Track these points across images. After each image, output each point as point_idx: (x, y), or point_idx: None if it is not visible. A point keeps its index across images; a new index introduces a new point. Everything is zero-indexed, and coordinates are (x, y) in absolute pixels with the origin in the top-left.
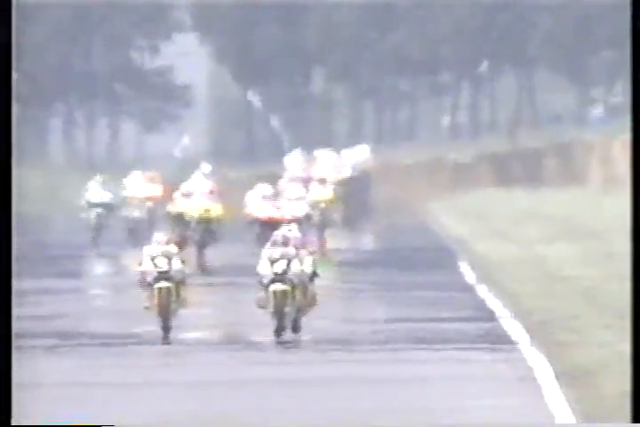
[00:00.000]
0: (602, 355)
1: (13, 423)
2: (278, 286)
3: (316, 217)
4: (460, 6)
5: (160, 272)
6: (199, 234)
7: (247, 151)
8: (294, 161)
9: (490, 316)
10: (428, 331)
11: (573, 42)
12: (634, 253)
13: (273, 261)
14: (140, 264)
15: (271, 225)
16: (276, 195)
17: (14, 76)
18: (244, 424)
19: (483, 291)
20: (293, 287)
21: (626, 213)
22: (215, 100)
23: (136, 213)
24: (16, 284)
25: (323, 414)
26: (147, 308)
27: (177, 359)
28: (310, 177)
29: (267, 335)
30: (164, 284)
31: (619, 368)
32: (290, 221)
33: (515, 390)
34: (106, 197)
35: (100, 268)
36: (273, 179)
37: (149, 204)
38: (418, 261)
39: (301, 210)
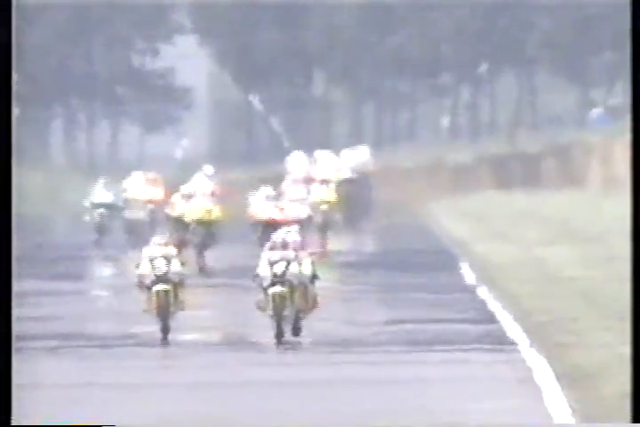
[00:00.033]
0: (602, 357)
1: (13, 424)
2: (277, 289)
3: (318, 219)
4: (459, 8)
5: (158, 275)
6: (199, 236)
7: (247, 153)
8: (297, 162)
9: (490, 317)
10: (429, 332)
11: (573, 43)
12: (634, 254)
13: (272, 264)
14: (138, 266)
15: (274, 227)
16: (279, 196)
17: (15, 77)
18: (244, 426)
19: (483, 292)
20: (292, 290)
21: (625, 215)
22: (215, 102)
23: (137, 215)
24: (17, 285)
25: (323, 416)
26: (145, 310)
27: (177, 361)
28: (312, 178)
29: (267, 337)
30: (162, 286)
31: (618, 370)
32: (292, 223)
33: (514, 392)
34: (109, 197)
35: (102, 269)
36: (273, 180)
37: (151, 206)
38: (418, 263)
39: (304, 212)
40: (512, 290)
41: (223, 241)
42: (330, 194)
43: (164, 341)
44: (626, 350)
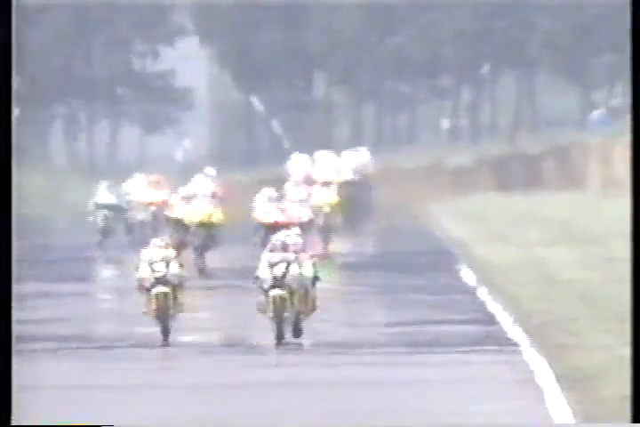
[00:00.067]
0: (601, 358)
1: (13, 423)
2: (277, 291)
3: (320, 221)
4: (460, 9)
5: (157, 277)
6: (199, 238)
7: (248, 154)
8: (298, 164)
9: (490, 319)
10: (429, 334)
11: (573, 44)
12: (633, 256)
13: (272, 266)
14: (137, 269)
15: (276, 229)
16: (282, 198)
17: (16, 78)
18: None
19: (483, 294)
20: (292, 292)
21: (625, 216)
22: (216, 104)
23: (140, 217)
24: (18, 287)
25: (323, 417)
26: (145, 313)
27: (177, 362)
28: (314, 180)
29: (268, 339)
30: (161, 289)
31: (618, 372)
32: (294, 225)
33: (515, 393)
34: (113, 199)
35: (105, 271)
36: (274, 182)
37: (153, 208)
38: (418, 264)
39: (306, 214)
40: (512, 291)
41: (224, 243)
42: (332, 196)
43: (165, 343)
44: (626, 351)
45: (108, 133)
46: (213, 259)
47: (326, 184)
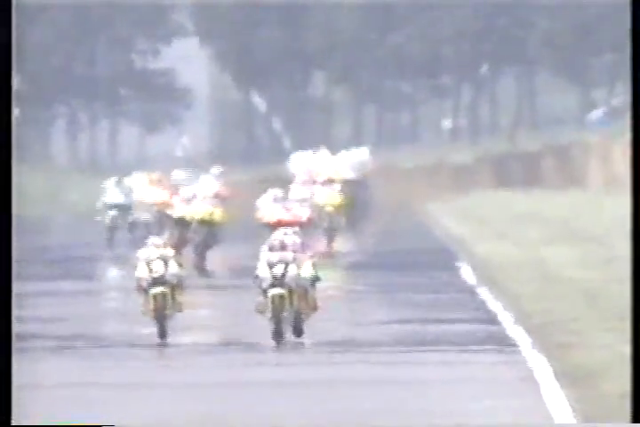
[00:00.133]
0: (602, 357)
1: (13, 423)
2: (276, 291)
3: (324, 220)
4: (460, 8)
5: (155, 277)
6: (200, 237)
7: (248, 153)
8: (301, 163)
9: (491, 317)
10: (429, 333)
11: (573, 44)
12: (634, 254)
13: (271, 265)
14: (136, 268)
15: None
16: (286, 198)
17: (16, 77)
18: (244, 426)
19: (483, 292)
20: (291, 292)
21: (626, 215)
22: (216, 102)
23: (143, 216)
24: (21, 286)
25: (323, 416)
26: (143, 313)
27: (178, 361)
28: (316, 179)
29: (268, 338)
30: (159, 289)
31: (619, 370)
32: (296, 225)
33: (515, 392)
34: (122, 198)
35: (111, 270)
36: (274, 181)
37: (156, 207)
38: (418, 263)
39: (306, 213)
40: (513, 290)
41: (225, 242)
42: (335, 195)
43: (163, 343)
44: (626, 349)
45: (109, 133)
46: (214, 258)
47: (329, 183)
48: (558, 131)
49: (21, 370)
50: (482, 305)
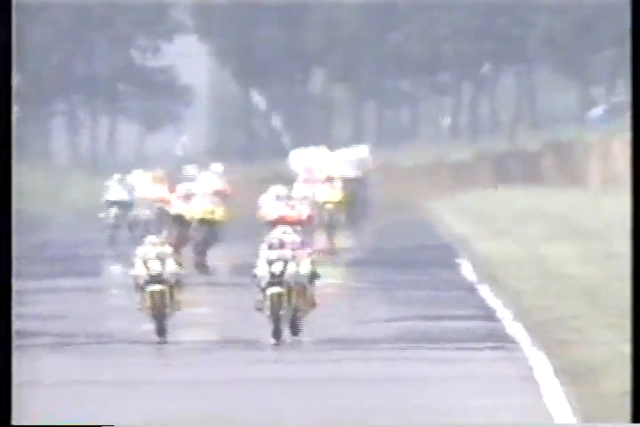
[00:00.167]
0: (602, 354)
1: (13, 423)
2: (275, 289)
3: (325, 218)
4: (460, 6)
5: (152, 275)
6: (200, 235)
7: (247, 151)
8: (301, 160)
9: (491, 314)
10: (429, 330)
11: (573, 41)
12: (634, 252)
13: (270, 263)
14: (133, 266)
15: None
16: (289, 196)
17: (16, 75)
18: (244, 423)
19: (484, 289)
20: (290, 290)
21: (625, 213)
22: (216, 100)
23: (145, 214)
24: (22, 284)
25: (323, 413)
26: (139, 310)
27: (178, 359)
28: (316, 177)
29: (267, 335)
30: (156, 287)
31: (619, 367)
32: (296, 223)
33: (515, 389)
34: (124, 195)
35: (113, 268)
36: (273, 179)
37: (158, 204)
38: (418, 260)
39: (306, 211)
40: (513, 287)
41: (226, 240)
42: (336, 193)
43: (161, 341)
44: (626, 347)
45: (108, 130)
46: (215, 256)
47: (330, 181)
48: (558, 129)
49: (21, 367)
50: (482, 302)
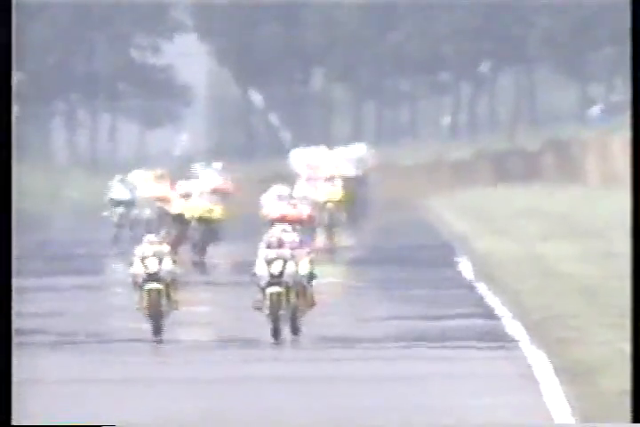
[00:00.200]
0: (601, 353)
1: (13, 423)
2: (274, 289)
3: (325, 216)
4: (460, 6)
5: (150, 273)
6: (199, 234)
7: (246, 150)
8: (303, 159)
9: (489, 313)
10: (429, 328)
11: (573, 41)
12: (634, 250)
13: (268, 262)
14: (131, 265)
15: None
16: (291, 195)
17: (16, 75)
18: (244, 422)
19: (482, 288)
20: (289, 289)
21: (625, 211)
22: (215, 100)
23: (146, 213)
24: (22, 282)
25: (321, 412)
26: (138, 309)
27: (177, 357)
28: (317, 176)
29: (266, 334)
30: (154, 285)
31: (618, 366)
32: (296, 221)
33: (515, 388)
34: (127, 194)
35: (115, 266)
36: (273, 178)
37: (159, 203)
38: (418, 259)
39: (306, 210)
40: (512, 286)
41: (225, 238)
42: (336, 191)
43: (157, 340)
44: (626, 346)
45: (108, 129)
46: (214, 254)
47: (330, 180)
48: (557, 127)
49: (21, 365)
50: (481, 301)
